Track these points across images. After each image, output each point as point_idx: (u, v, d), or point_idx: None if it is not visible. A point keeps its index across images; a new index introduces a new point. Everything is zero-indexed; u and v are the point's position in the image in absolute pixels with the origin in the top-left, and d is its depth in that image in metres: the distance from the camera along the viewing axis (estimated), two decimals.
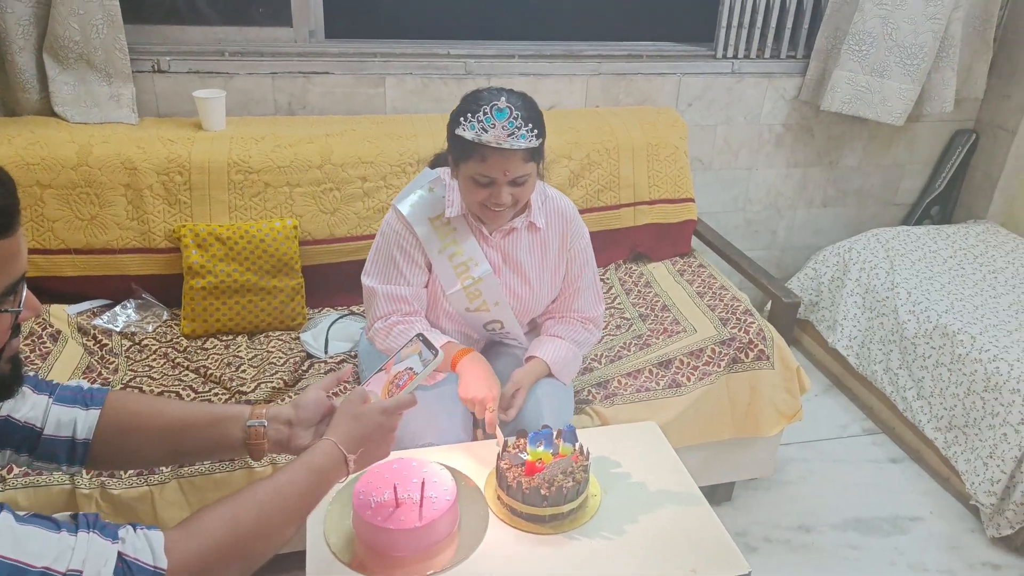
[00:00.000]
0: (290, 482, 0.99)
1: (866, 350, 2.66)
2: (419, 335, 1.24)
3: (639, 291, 2.40)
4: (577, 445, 1.39)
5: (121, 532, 0.84)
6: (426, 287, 1.70)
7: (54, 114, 2.24)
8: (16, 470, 1.62)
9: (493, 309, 1.70)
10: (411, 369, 1.20)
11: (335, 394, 1.22)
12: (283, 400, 1.86)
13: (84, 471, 1.62)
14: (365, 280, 1.69)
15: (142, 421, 1.06)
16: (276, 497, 0.97)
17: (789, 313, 2.15)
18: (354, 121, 2.39)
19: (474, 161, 1.49)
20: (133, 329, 2.14)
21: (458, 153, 1.53)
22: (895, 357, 2.53)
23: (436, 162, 1.75)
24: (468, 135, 1.46)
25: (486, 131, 1.45)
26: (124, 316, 2.17)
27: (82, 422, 1.02)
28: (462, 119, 1.48)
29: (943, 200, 3.19)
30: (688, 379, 1.98)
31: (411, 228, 1.64)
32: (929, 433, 2.36)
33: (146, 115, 2.36)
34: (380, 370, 1.24)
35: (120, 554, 0.82)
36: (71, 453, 1.02)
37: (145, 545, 0.84)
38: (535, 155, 1.52)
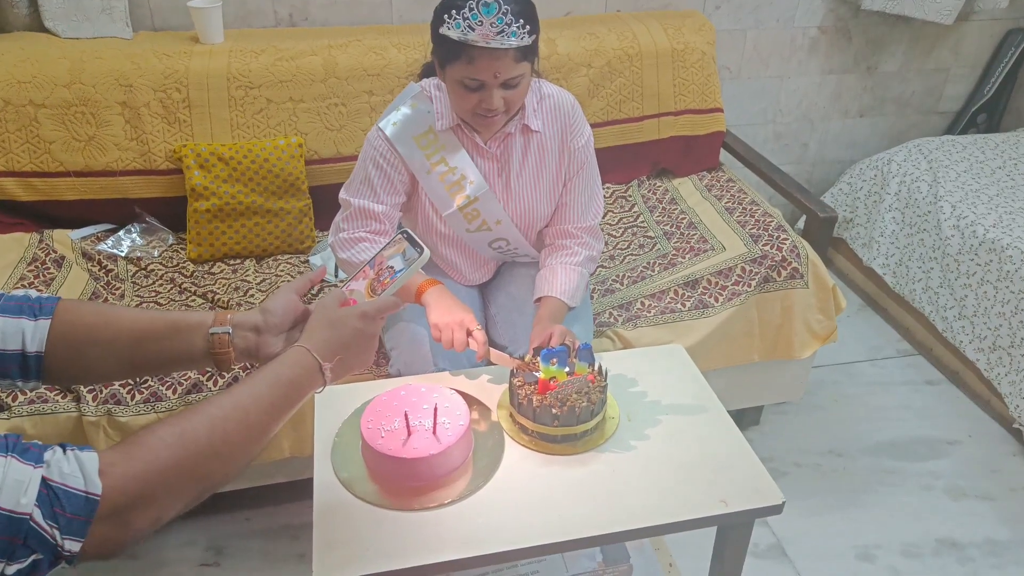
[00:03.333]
0: (252, 395, 0.89)
1: (904, 268, 2.53)
2: (403, 231, 1.12)
3: (663, 208, 2.27)
4: (597, 366, 1.31)
5: (47, 454, 0.75)
6: (400, 210, 1.59)
7: (45, 29, 2.13)
8: (20, 397, 1.58)
9: (496, 228, 1.60)
10: (392, 267, 1.09)
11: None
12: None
13: (90, 398, 1.59)
14: (341, 193, 1.58)
15: (96, 332, 0.96)
16: (235, 412, 0.87)
17: (825, 229, 2.02)
18: (359, 32, 2.25)
19: (461, 63, 1.36)
20: (139, 254, 2.07)
21: (443, 55, 1.39)
22: (936, 275, 2.39)
23: (425, 72, 1.62)
24: (453, 34, 1.33)
25: (472, 29, 1.31)
26: (129, 241, 2.10)
27: (31, 334, 0.92)
28: (446, 16, 1.33)
29: (991, 107, 2.98)
30: (716, 300, 1.88)
31: (393, 147, 1.52)
32: (970, 354, 2.25)
33: (140, 29, 2.24)
34: (362, 270, 1.13)
35: (44, 479, 0.72)
36: (24, 367, 0.93)
37: (75, 468, 0.75)
38: (528, 53, 1.39)
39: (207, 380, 1.63)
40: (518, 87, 1.41)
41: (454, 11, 1.32)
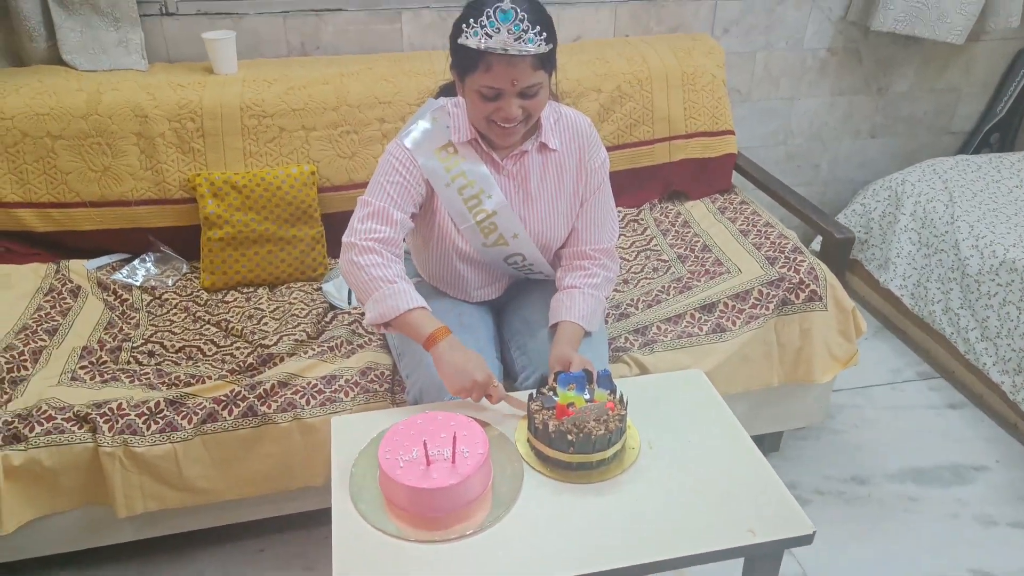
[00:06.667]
0: None
1: (922, 289, 2.50)
2: None
3: (676, 231, 2.26)
4: (617, 394, 1.29)
5: None
6: (413, 222, 1.55)
7: (63, 62, 2.15)
8: (37, 428, 1.57)
9: (512, 243, 1.58)
10: None
11: None
12: (306, 353, 1.77)
13: (106, 428, 1.57)
14: (363, 196, 1.51)
15: None
16: None
17: (842, 250, 2.00)
18: (370, 60, 2.26)
19: (479, 72, 1.37)
20: (153, 283, 2.07)
21: (462, 65, 1.41)
22: (956, 296, 2.36)
23: (443, 92, 1.62)
24: (471, 43, 1.35)
25: (490, 36, 1.33)
26: (143, 270, 2.11)
27: None
28: (464, 26, 1.36)
29: (1004, 126, 2.96)
30: (733, 323, 1.85)
31: (413, 158, 1.51)
32: (995, 376, 2.21)
33: (156, 60, 2.26)
34: None
35: None
36: None
37: None
38: (545, 63, 1.40)
39: (222, 409, 1.62)
40: (536, 96, 1.41)
41: (472, 20, 1.34)
